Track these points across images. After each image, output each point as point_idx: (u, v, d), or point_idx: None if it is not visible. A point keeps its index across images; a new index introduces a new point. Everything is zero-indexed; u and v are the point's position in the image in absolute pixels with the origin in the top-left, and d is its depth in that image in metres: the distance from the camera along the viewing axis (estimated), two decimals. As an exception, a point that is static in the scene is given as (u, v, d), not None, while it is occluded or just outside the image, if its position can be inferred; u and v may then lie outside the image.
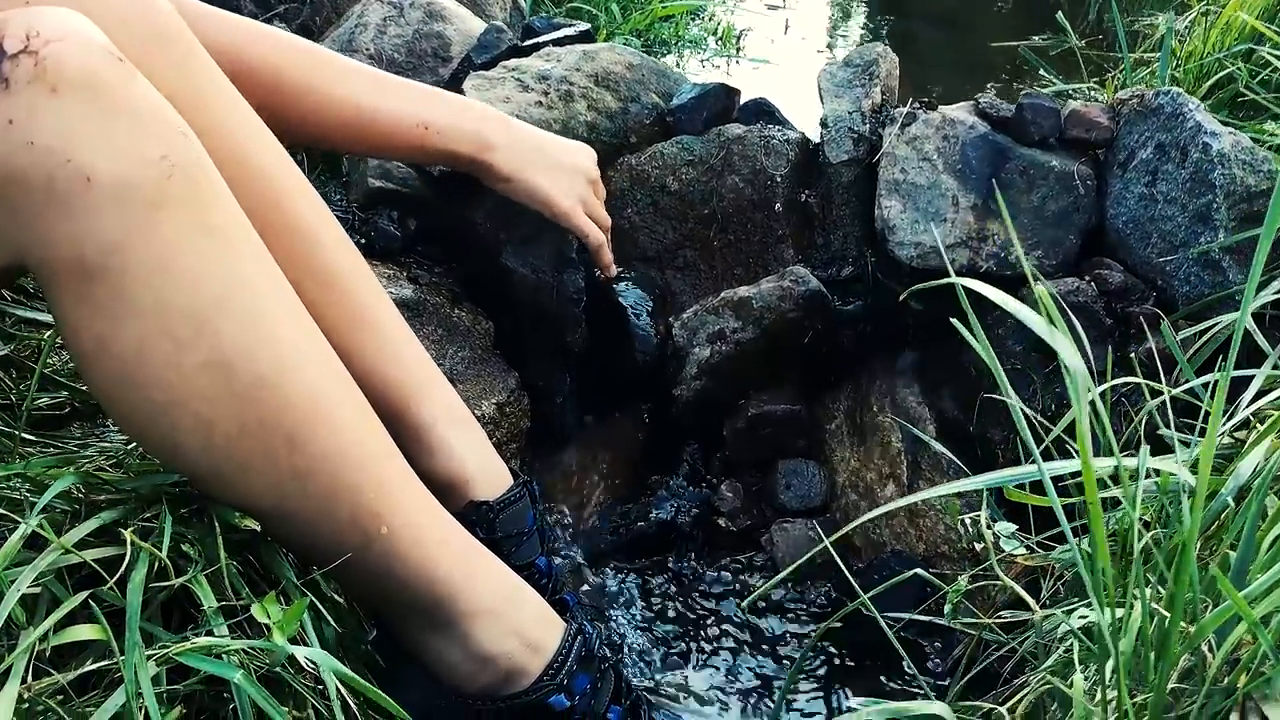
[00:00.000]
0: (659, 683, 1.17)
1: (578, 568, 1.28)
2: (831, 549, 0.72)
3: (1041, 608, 0.99)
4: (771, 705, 1.15)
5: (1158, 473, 0.78)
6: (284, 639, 0.77)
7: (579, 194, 1.27)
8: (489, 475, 1.08)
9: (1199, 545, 0.73)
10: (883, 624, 0.76)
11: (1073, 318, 0.97)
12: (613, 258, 1.32)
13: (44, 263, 0.75)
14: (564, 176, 1.26)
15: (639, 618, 1.25)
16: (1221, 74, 1.71)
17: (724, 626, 1.25)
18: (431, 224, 1.42)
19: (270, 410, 0.81)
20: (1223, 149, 1.17)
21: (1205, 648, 0.61)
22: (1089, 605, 0.77)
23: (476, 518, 1.05)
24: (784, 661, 1.20)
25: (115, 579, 0.76)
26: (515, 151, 1.22)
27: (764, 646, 1.22)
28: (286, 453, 0.82)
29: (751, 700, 1.15)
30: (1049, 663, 0.80)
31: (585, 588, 1.27)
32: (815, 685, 1.17)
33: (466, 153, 1.20)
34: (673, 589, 1.30)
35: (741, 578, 1.32)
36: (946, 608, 0.93)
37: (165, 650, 0.75)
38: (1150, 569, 0.72)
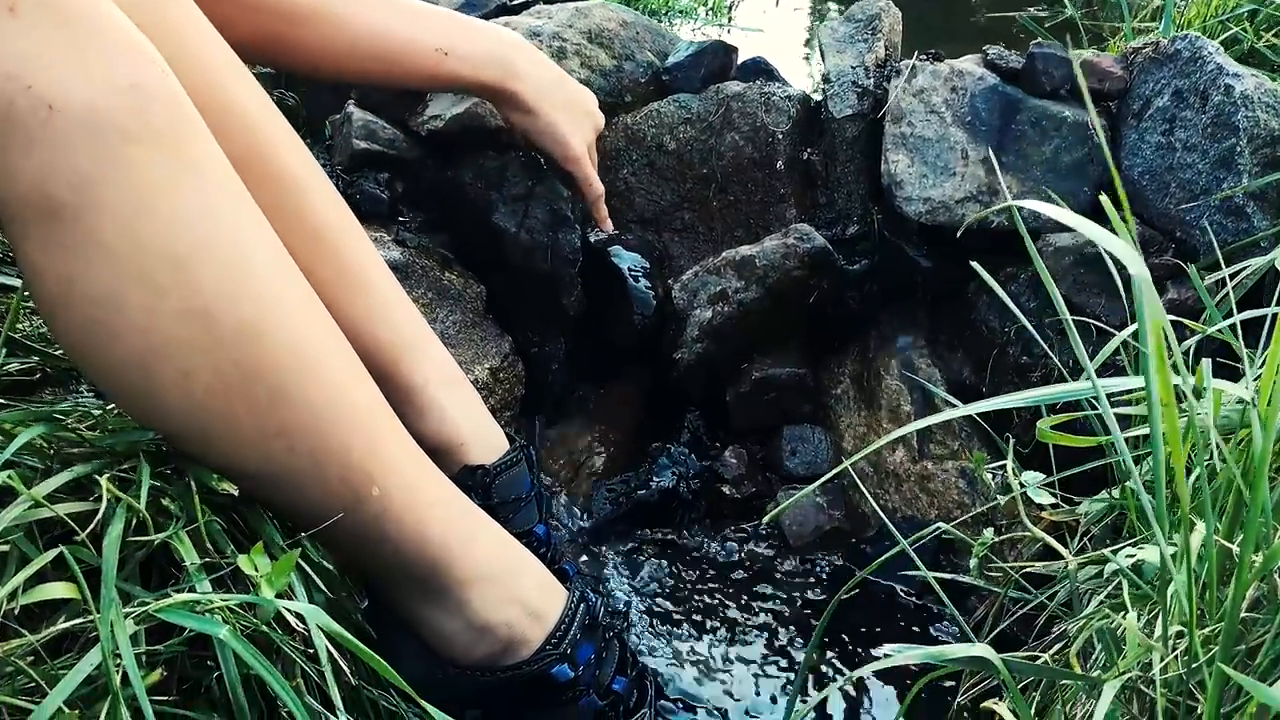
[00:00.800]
0: (664, 654, 1.11)
1: (576, 537, 1.23)
2: (851, 469, 0.66)
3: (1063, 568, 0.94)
4: (779, 676, 1.10)
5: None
6: (272, 593, 0.71)
7: (588, 140, 1.21)
8: (484, 438, 1.03)
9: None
10: (928, 576, 0.71)
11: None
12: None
13: (6, 201, 0.68)
14: (580, 118, 1.20)
15: (641, 588, 1.20)
16: (1225, 35, 1.67)
17: (730, 597, 1.19)
18: (419, 186, 1.36)
19: (253, 361, 0.75)
20: (1246, 90, 1.12)
21: (1277, 575, 0.56)
22: (1136, 545, 0.73)
23: (472, 483, 1.00)
24: (793, 632, 1.15)
25: (90, 534, 0.70)
26: (539, 82, 1.17)
27: (772, 617, 1.17)
28: (271, 407, 0.76)
29: (760, 671, 1.10)
30: (1089, 609, 0.75)
31: (584, 558, 1.22)
32: (830, 655, 1.12)
33: (490, 81, 1.14)
34: (676, 559, 1.25)
35: (747, 547, 1.27)
36: (972, 561, 0.88)
37: (144, 608, 0.69)
38: (1199, 505, 0.67)
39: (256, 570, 0.71)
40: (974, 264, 0.95)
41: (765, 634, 1.15)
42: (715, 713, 1.05)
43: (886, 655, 0.66)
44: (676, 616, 1.16)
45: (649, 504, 1.27)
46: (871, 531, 1.27)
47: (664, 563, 1.23)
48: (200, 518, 0.75)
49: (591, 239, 1.34)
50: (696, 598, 1.19)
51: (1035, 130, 1.26)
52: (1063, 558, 0.95)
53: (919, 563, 0.71)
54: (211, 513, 0.77)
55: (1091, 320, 1.17)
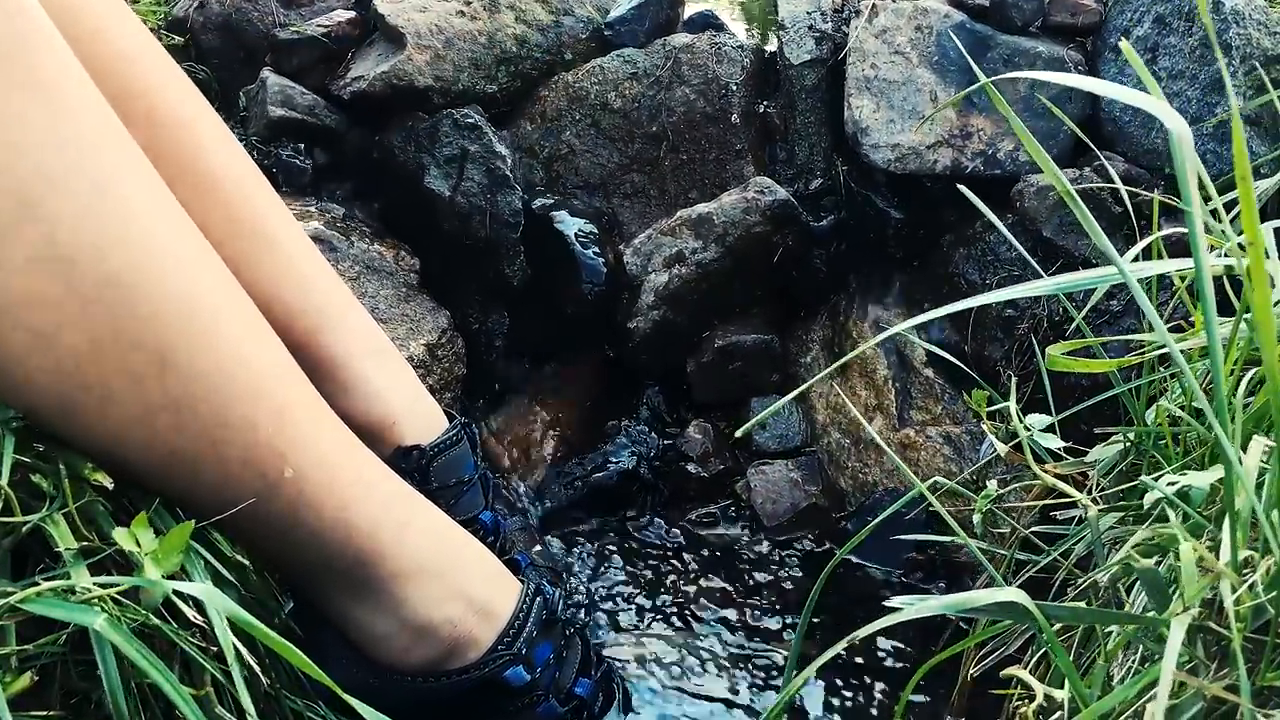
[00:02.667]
0: (631, 653, 1.00)
1: (528, 526, 1.11)
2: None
3: (1078, 522, 0.85)
4: (759, 671, 0.98)
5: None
6: (159, 574, 0.59)
7: None
8: (420, 415, 0.91)
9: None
10: (943, 514, 0.60)
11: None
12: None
13: None
14: None
15: (602, 580, 1.08)
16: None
17: (701, 586, 1.08)
18: (344, 154, 1.25)
19: (129, 318, 0.61)
20: (1236, 6, 1.03)
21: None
22: (1180, 472, 0.63)
23: (407, 465, 0.87)
24: (771, 621, 1.04)
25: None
26: None
27: (748, 606, 1.06)
28: (156, 375, 0.62)
29: (738, 666, 0.99)
30: (1119, 556, 0.65)
31: (537, 549, 1.10)
32: (812, 651, 1.01)
33: None
34: (639, 546, 1.13)
35: (717, 529, 1.15)
36: (975, 517, 0.78)
37: (6, 599, 0.58)
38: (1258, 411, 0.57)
39: (139, 546, 0.59)
40: (965, 190, 0.85)
41: (741, 625, 1.03)
42: (690, 715, 0.94)
43: (895, 609, 0.55)
44: (643, 610, 1.05)
45: (607, 487, 1.16)
46: (851, 507, 1.17)
47: (626, 551, 1.12)
48: (70, 501, 0.63)
49: (534, 204, 1.23)
50: (664, 588, 1.07)
51: (1008, 68, 1.17)
52: (1069, 517, 0.86)
53: (941, 510, 0.61)
54: (94, 493, 0.65)
55: (1080, 263, 1.09)
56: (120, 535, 0.59)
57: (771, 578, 1.10)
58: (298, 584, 0.77)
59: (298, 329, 0.85)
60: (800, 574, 1.10)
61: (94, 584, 0.59)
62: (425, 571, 0.75)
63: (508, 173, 1.17)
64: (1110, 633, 0.58)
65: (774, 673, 0.98)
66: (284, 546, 0.72)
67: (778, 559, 1.12)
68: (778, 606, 1.06)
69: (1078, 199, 0.54)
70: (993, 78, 0.59)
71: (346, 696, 0.61)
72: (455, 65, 1.23)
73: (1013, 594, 0.51)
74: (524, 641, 0.78)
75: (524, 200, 1.19)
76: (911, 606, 0.54)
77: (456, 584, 0.77)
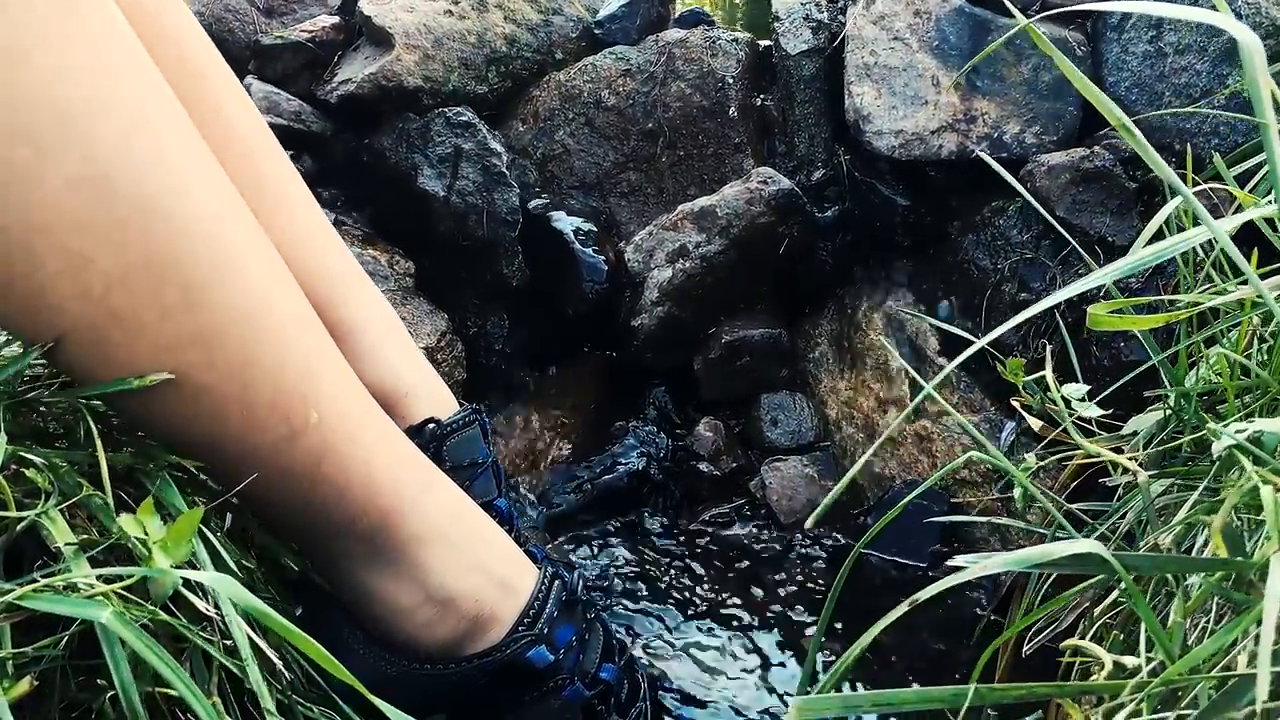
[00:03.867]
0: (650, 652, 0.96)
1: (539, 526, 1.07)
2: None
3: (1117, 497, 0.82)
4: (783, 669, 0.95)
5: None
6: (168, 563, 0.55)
7: None
8: (431, 391, 0.87)
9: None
10: (1001, 460, 0.57)
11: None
12: None
13: None
14: None
15: (616, 582, 1.04)
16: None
17: (718, 585, 1.04)
18: (333, 160, 1.22)
19: (162, 246, 0.58)
20: (1245, -25, 1.02)
21: None
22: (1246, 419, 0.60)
23: (420, 441, 0.83)
24: (792, 619, 1.00)
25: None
26: None
27: (767, 604, 1.02)
28: (185, 308, 0.59)
29: (761, 665, 0.95)
30: (1182, 515, 0.61)
31: (550, 546, 1.06)
32: (831, 639, 0.98)
33: None
34: (653, 547, 1.09)
35: (732, 528, 1.12)
36: (1016, 491, 0.74)
37: (3, 597, 0.53)
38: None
39: (146, 534, 0.55)
40: (989, 159, 0.82)
41: (763, 623, 1.00)
42: (716, 708, 0.90)
43: (959, 568, 0.51)
44: (661, 610, 1.01)
45: (617, 489, 1.12)
46: (869, 502, 1.13)
47: (640, 553, 1.08)
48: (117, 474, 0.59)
49: (529, 205, 1.20)
50: (681, 589, 1.03)
51: (1010, 50, 1.15)
52: (1112, 488, 0.83)
53: (1002, 460, 0.57)
54: (91, 487, 0.61)
55: (1097, 242, 1.06)
56: (126, 522, 0.55)
57: (791, 575, 1.06)
58: (316, 558, 0.73)
59: (313, 293, 0.81)
60: (820, 570, 1.07)
61: (98, 576, 0.55)
62: (446, 539, 0.71)
63: (504, 169, 1.14)
64: (1187, 588, 0.55)
65: (798, 669, 0.94)
66: (303, 509, 0.67)
67: (796, 556, 1.08)
68: (799, 603, 1.02)
69: (1145, 143, 0.52)
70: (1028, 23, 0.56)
71: (371, 696, 0.57)
72: (445, 65, 1.20)
73: (1089, 545, 0.48)
74: (545, 621, 0.74)
75: (521, 198, 1.15)
76: (976, 564, 0.51)
77: (477, 556, 0.72)
